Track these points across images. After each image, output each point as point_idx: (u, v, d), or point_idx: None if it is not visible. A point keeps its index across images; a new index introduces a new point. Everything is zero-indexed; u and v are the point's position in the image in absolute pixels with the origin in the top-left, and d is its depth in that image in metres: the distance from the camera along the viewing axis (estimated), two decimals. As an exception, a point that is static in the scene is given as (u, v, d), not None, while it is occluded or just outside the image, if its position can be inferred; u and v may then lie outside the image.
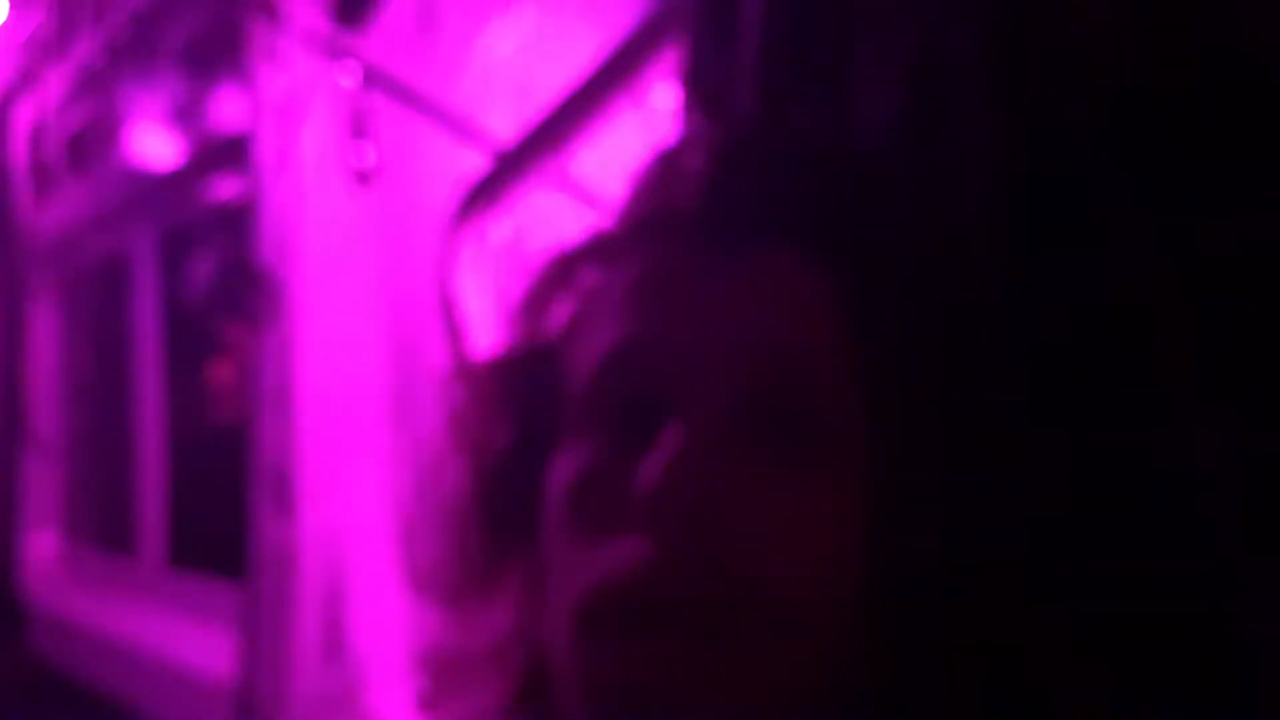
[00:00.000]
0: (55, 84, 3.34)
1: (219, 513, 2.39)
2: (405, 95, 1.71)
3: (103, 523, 3.52)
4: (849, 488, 0.48)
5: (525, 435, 0.55)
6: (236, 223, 2.33)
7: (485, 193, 1.24)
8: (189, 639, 2.60)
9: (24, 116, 3.56)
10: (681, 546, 0.45)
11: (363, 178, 1.75)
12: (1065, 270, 0.52)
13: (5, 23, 3.50)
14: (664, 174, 0.56)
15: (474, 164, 1.44)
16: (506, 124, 1.45)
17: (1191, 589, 0.48)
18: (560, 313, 0.55)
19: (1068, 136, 0.52)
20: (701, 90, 0.67)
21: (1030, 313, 0.52)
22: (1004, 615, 0.48)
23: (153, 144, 2.96)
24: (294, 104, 2.04)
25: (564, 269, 0.56)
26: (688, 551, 0.45)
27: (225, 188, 2.72)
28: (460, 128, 1.64)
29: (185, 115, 2.87)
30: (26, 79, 3.50)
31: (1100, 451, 0.50)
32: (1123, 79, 0.51)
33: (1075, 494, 0.51)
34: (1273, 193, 0.47)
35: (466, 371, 0.60)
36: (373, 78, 1.74)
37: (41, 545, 3.57)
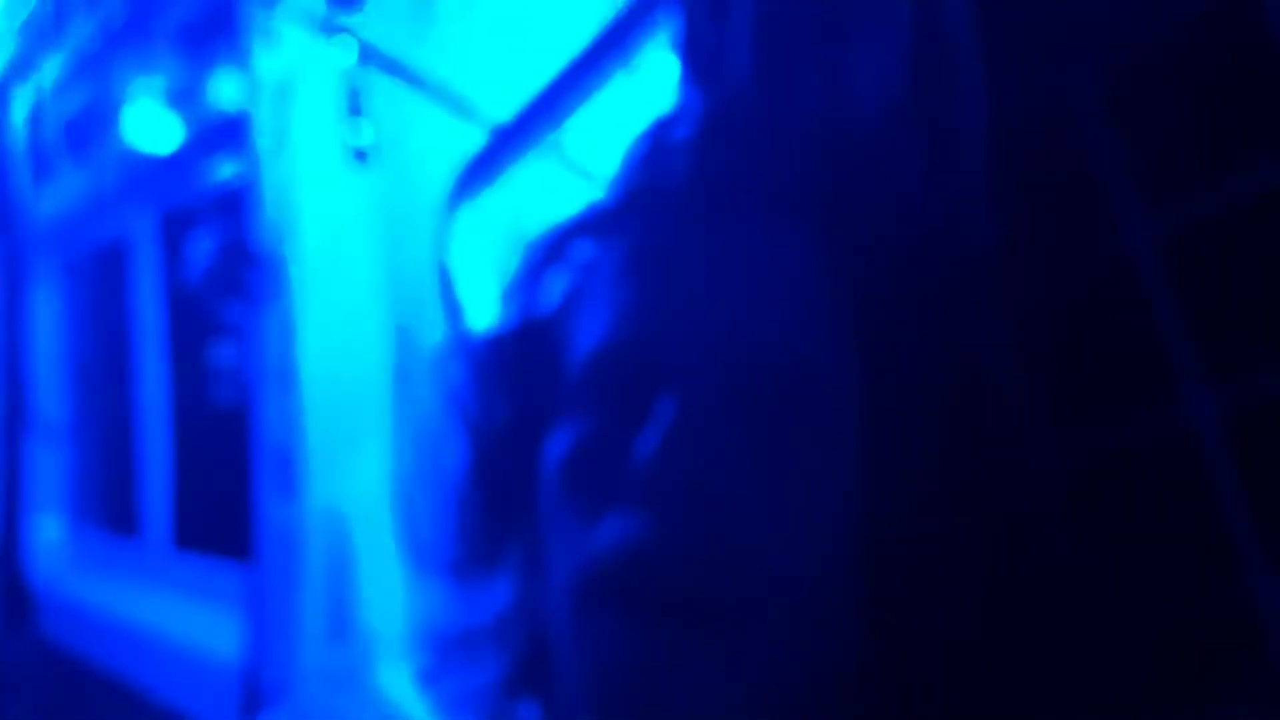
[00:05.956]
0: (52, 68, 3.33)
1: (224, 494, 2.40)
2: (401, 73, 1.71)
3: (108, 505, 3.53)
4: (845, 460, 0.47)
5: (523, 411, 0.55)
6: (236, 204, 2.33)
7: (482, 169, 1.23)
8: (195, 620, 2.61)
9: (22, 101, 3.55)
10: (679, 520, 0.45)
11: (360, 156, 1.74)
12: (1061, 242, 0.52)
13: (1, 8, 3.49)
14: (659, 147, 0.55)
15: (471, 140, 1.44)
16: (503, 99, 1.45)
17: (1191, 561, 0.48)
18: (556, 288, 0.55)
19: (1064, 105, 0.51)
20: (697, 62, 0.66)
21: (1026, 284, 0.52)
22: (998, 591, 0.48)
23: (151, 127, 2.95)
24: (290, 83, 2.03)
25: (559, 244, 0.56)
26: (685, 525, 0.45)
27: (224, 169, 2.72)
28: (457, 104, 1.63)
29: (183, 97, 2.86)
30: (24, 63, 3.49)
31: (1096, 423, 0.50)
32: (1119, 45, 0.50)
33: (1070, 467, 0.51)
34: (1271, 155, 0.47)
35: (465, 349, 0.60)
36: (369, 55, 1.74)
37: (47, 528, 3.58)
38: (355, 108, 1.72)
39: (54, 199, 3.49)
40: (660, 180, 0.54)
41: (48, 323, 3.69)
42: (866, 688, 0.48)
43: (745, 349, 0.48)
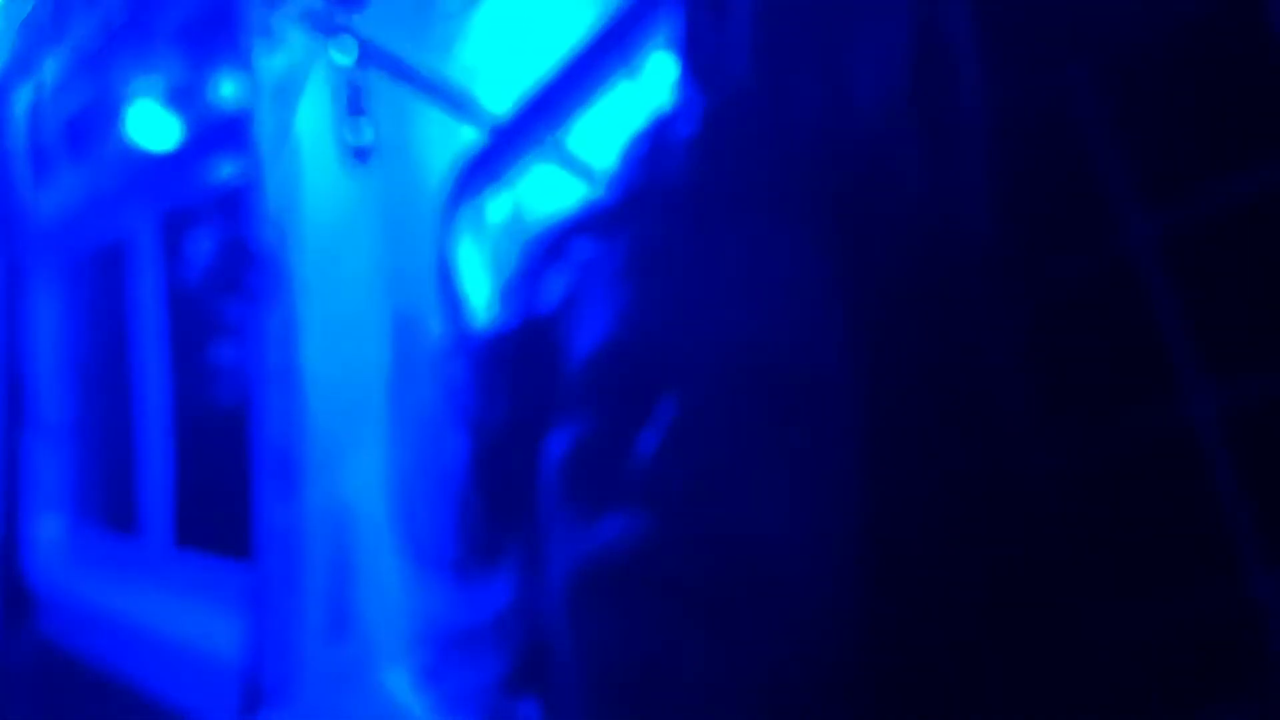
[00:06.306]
0: (52, 67, 3.33)
1: (224, 493, 2.40)
2: (402, 71, 1.71)
3: (108, 504, 3.53)
4: (845, 459, 0.47)
5: (524, 410, 0.55)
6: (236, 203, 2.33)
7: (483, 168, 1.23)
8: (195, 619, 2.61)
9: (22, 100, 3.55)
10: (679, 518, 0.45)
11: (360, 155, 1.74)
12: (1061, 242, 0.52)
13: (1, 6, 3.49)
14: (659, 147, 0.55)
15: (471, 139, 1.44)
16: (503, 98, 1.45)
17: (1191, 561, 0.48)
18: (556, 287, 0.55)
19: (1064, 105, 0.51)
20: (697, 62, 0.66)
21: (1026, 284, 0.52)
22: (999, 589, 0.48)
23: (151, 126, 2.96)
24: (290, 83, 2.03)
25: (559, 243, 0.56)
26: (685, 523, 0.45)
27: (224, 169, 2.72)
28: (457, 103, 1.63)
29: (183, 97, 2.86)
30: (23, 63, 3.49)
31: (1095, 423, 0.50)
32: (1119, 46, 0.50)
33: (1070, 466, 0.51)
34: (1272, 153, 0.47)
35: (465, 347, 0.60)
36: (369, 54, 1.74)
37: (48, 528, 3.58)
38: (355, 107, 1.72)
39: (54, 199, 3.49)
40: (660, 180, 0.54)
41: (48, 322, 3.69)
42: (867, 685, 0.48)
43: (745, 348, 0.48)
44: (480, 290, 1.21)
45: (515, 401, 0.56)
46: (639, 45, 1.00)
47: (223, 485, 2.42)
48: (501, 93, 1.56)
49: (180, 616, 2.70)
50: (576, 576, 0.47)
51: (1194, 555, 0.48)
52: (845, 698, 0.48)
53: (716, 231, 0.50)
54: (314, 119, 1.98)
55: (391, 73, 1.73)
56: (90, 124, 3.20)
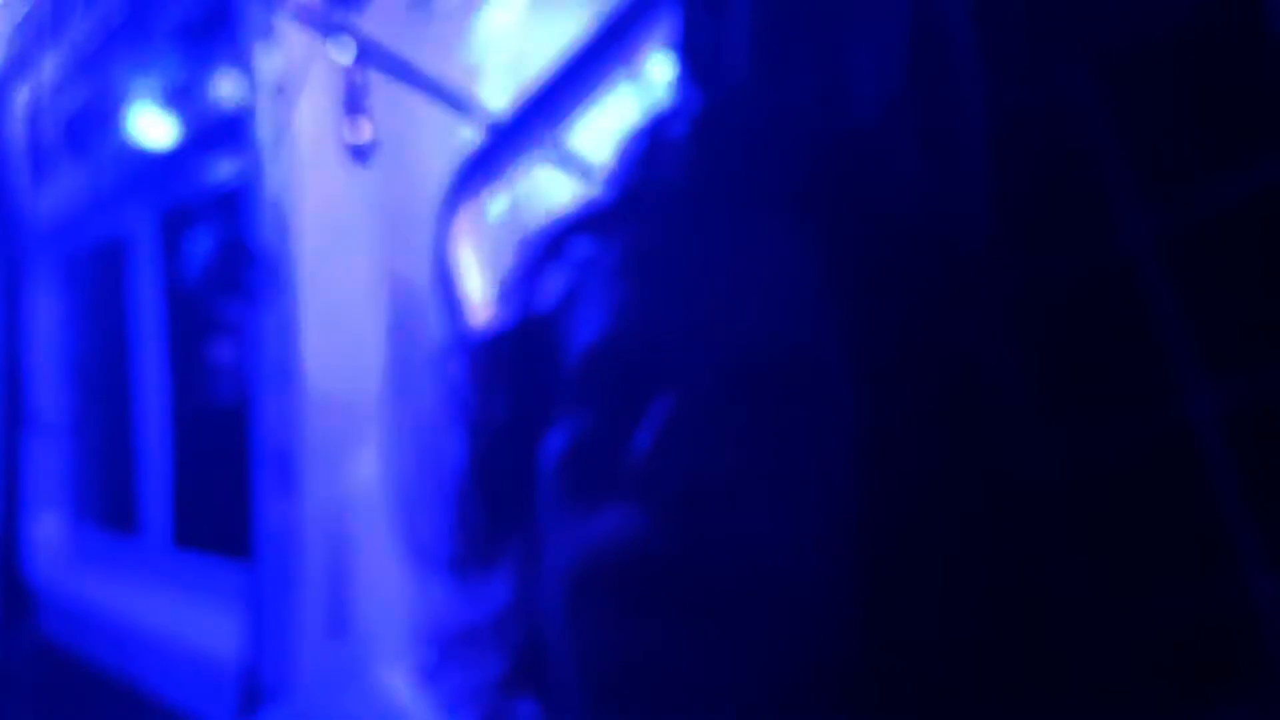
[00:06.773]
0: (51, 66, 3.33)
1: (223, 492, 2.40)
2: (401, 70, 1.71)
3: (108, 503, 3.53)
4: (841, 456, 0.47)
5: (522, 408, 0.55)
6: (235, 203, 2.33)
7: (481, 167, 1.23)
8: (194, 618, 2.61)
9: (20, 99, 3.55)
10: (675, 515, 0.45)
11: (359, 154, 1.74)
12: (1060, 240, 0.52)
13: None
14: (657, 144, 0.55)
15: (470, 138, 1.44)
16: (502, 97, 1.45)
17: (1191, 561, 0.48)
18: (554, 285, 0.55)
19: (1063, 103, 0.51)
20: (695, 59, 0.66)
21: (1024, 282, 0.52)
22: (996, 588, 0.48)
23: (150, 125, 2.96)
24: (290, 81, 2.03)
25: (557, 241, 0.56)
26: (681, 520, 0.45)
27: (223, 168, 2.72)
28: (456, 102, 1.63)
29: (182, 96, 2.87)
30: (22, 61, 3.49)
31: (1094, 422, 0.50)
32: (1119, 44, 0.50)
33: (1068, 465, 0.51)
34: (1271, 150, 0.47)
35: (464, 346, 0.60)
36: (368, 53, 1.74)
37: (47, 526, 3.58)
38: (355, 106, 1.72)
39: (53, 197, 3.49)
40: (658, 177, 0.54)
41: (47, 321, 3.69)
42: (862, 683, 0.48)
43: (742, 346, 0.48)
44: (478, 289, 1.21)
45: (513, 400, 0.56)
46: (639, 45, 1.00)
47: (222, 485, 2.42)
48: (501, 93, 1.56)
49: (179, 616, 2.70)
50: (574, 574, 0.47)
51: (1194, 555, 0.48)
52: (843, 696, 0.48)
53: (714, 229, 0.50)
54: (313, 118, 1.98)
55: (391, 72, 1.73)
56: (89, 123, 3.20)
